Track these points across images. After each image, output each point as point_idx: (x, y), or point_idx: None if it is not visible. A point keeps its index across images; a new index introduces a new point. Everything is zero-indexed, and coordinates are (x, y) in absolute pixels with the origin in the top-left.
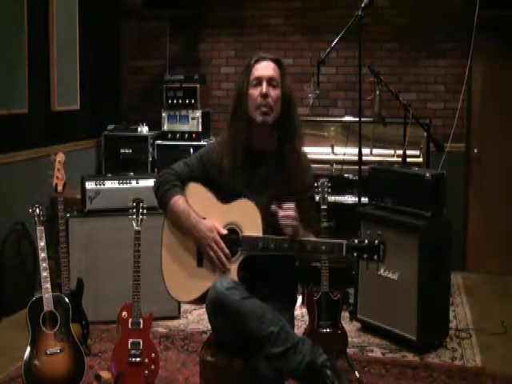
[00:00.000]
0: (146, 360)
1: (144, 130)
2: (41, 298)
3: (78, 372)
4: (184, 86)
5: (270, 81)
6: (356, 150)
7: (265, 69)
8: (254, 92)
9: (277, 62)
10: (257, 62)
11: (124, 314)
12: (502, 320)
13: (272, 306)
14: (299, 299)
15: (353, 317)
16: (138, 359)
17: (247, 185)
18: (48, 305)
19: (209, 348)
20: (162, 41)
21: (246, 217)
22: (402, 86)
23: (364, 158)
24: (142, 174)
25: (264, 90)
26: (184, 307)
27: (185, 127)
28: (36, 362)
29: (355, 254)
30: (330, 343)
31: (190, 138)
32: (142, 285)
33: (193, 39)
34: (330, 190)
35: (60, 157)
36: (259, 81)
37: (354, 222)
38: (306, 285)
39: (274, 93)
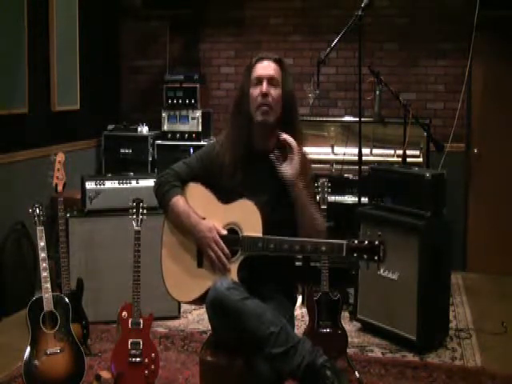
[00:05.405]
0: (146, 360)
1: (144, 130)
2: (41, 298)
3: (78, 372)
4: (184, 85)
5: (271, 80)
6: (356, 150)
7: (265, 68)
8: (255, 91)
9: (278, 61)
10: (258, 61)
11: (124, 313)
12: (502, 320)
13: (272, 306)
14: (299, 299)
15: (353, 317)
16: (138, 359)
17: (247, 184)
18: (48, 305)
19: (209, 348)
20: (162, 41)
21: (246, 217)
22: (401, 86)
23: (364, 158)
24: (141, 173)
25: (264, 89)
26: (184, 307)
27: (185, 127)
28: (36, 362)
29: (355, 255)
30: (330, 343)
31: (190, 138)
32: (142, 285)
33: (193, 39)
34: (329, 189)
35: (60, 157)
36: (259, 80)
37: (354, 222)
38: (305, 285)
39: (275, 92)
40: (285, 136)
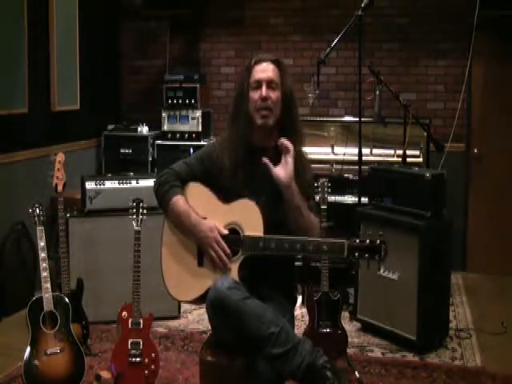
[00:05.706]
0: (146, 360)
1: (144, 130)
2: (41, 298)
3: (78, 372)
4: (184, 85)
5: (270, 83)
6: (356, 150)
7: (264, 71)
8: (254, 95)
9: (276, 62)
10: (256, 63)
11: (124, 313)
12: (501, 320)
13: (272, 306)
14: (299, 299)
15: (353, 317)
16: (138, 359)
17: (248, 184)
18: (48, 305)
19: (209, 348)
20: (162, 41)
21: (247, 217)
22: (401, 86)
23: (364, 158)
24: (142, 174)
25: (264, 93)
26: (184, 307)
27: (185, 127)
28: (36, 362)
29: (356, 254)
30: (330, 343)
31: (190, 138)
32: (142, 285)
33: (193, 39)
34: (329, 189)
35: (60, 157)
36: (259, 83)
37: (354, 222)
38: (306, 285)
39: (274, 95)
40: (283, 140)
